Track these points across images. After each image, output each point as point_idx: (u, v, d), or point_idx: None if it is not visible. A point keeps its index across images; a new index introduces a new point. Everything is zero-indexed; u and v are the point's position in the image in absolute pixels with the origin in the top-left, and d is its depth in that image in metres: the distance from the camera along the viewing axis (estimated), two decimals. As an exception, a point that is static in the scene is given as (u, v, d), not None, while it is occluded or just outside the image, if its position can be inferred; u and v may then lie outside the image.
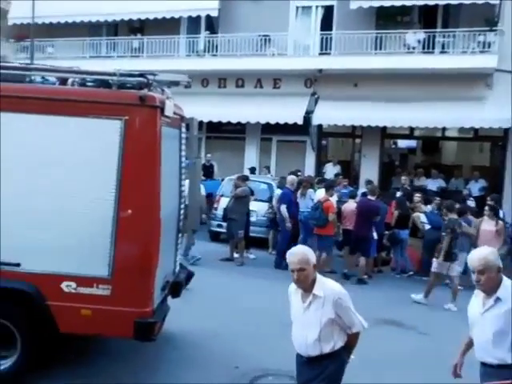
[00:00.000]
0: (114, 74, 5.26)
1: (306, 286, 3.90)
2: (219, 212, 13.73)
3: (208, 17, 19.43)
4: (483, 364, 3.97)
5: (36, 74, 5.78)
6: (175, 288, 6.33)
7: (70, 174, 5.18)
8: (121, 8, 19.80)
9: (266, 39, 18.43)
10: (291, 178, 12.60)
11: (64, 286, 5.13)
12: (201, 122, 15.08)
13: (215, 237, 14.33)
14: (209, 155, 17.98)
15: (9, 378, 5.23)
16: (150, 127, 5.16)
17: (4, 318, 5.20)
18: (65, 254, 5.15)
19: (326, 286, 3.94)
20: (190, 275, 6.81)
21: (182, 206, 6.60)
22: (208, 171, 16.82)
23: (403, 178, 15.38)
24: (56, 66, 6.08)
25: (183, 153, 6.53)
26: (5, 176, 5.14)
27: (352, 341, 4.02)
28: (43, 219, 5.17)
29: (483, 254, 3.87)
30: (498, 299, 3.83)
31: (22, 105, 5.25)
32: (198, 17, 19.54)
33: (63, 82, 5.70)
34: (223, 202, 13.55)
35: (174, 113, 5.67)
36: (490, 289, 3.85)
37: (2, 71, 5.64)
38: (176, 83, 5.94)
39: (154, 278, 5.24)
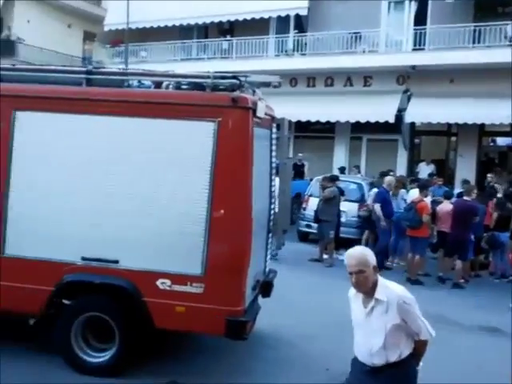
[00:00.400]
0: (207, 77, 5.41)
1: (367, 290, 3.66)
2: (308, 212, 13.76)
3: (297, 16, 19.52)
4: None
5: (133, 78, 6.06)
6: (265, 287, 6.44)
7: (165, 174, 5.38)
8: (211, 10, 20.27)
9: (356, 36, 18.26)
10: (389, 179, 12.42)
11: (159, 283, 5.34)
12: (289, 122, 15.20)
13: (304, 237, 14.35)
14: (300, 154, 17.99)
15: (108, 370, 5.52)
16: (243, 128, 5.27)
17: (104, 312, 5.49)
18: (160, 253, 5.37)
19: (389, 289, 3.69)
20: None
21: (273, 206, 6.69)
22: (299, 171, 16.86)
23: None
24: (151, 70, 6.35)
25: (274, 153, 6.62)
26: (107, 177, 5.45)
27: (420, 348, 3.76)
28: (140, 219, 5.40)
29: None
30: None
31: (120, 108, 5.52)
32: (287, 16, 19.67)
33: (158, 85, 5.93)
34: (312, 203, 13.55)
35: (266, 113, 5.76)
36: None
37: (103, 77, 6.01)
38: (267, 84, 6.04)
39: (245, 277, 5.35)
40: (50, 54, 26.04)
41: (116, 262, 5.41)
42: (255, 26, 19.92)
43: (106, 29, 23.93)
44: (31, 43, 25.91)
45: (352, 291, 3.86)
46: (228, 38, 21.46)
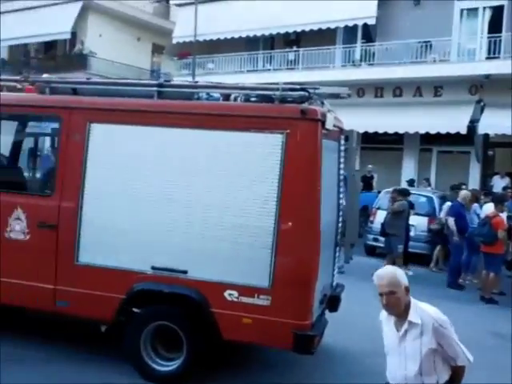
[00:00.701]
0: (276, 89, 5.47)
1: (399, 312, 3.51)
2: (375, 225, 13.57)
3: (365, 25, 19.39)
4: None
5: (203, 91, 6.20)
6: (333, 302, 6.39)
7: (234, 186, 5.45)
8: (277, 22, 20.51)
9: (426, 45, 17.94)
10: (464, 193, 12.16)
11: (227, 294, 5.40)
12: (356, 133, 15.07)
13: (371, 251, 14.15)
14: (370, 166, 17.79)
15: (175, 379, 5.63)
16: (311, 140, 5.28)
17: (172, 321, 5.60)
18: (228, 264, 5.44)
19: (423, 311, 3.52)
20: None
21: (341, 219, 6.65)
22: (368, 183, 16.68)
23: None
24: (220, 83, 6.47)
25: (342, 165, 6.60)
26: (176, 188, 5.59)
27: (458, 374, 3.58)
28: (209, 230, 5.48)
29: None
30: None
31: (191, 121, 5.66)
32: (355, 26, 19.60)
33: (226, 97, 6.06)
34: (379, 216, 13.36)
35: (334, 125, 5.76)
36: None
37: (173, 90, 6.19)
38: (336, 95, 6.04)
39: (313, 291, 5.32)
40: (120, 66, 27.03)
41: (185, 272, 5.51)
42: (322, 37, 19.95)
43: (174, 41, 24.63)
44: (102, 56, 27.02)
45: (383, 314, 3.72)
46: (294, 48, 21.59)
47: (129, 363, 5.74)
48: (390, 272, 3.55)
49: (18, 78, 7.01)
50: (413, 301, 3.55)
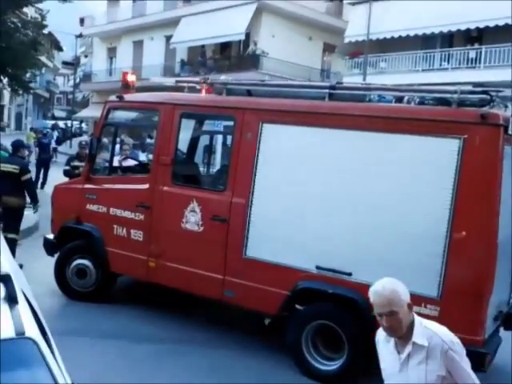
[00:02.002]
0: (454, 92, 5.36)
1: (401, 334, 3.03)
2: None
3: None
4: None
5: (376, 93, 6.23)
6: (509, 319, 6.03)
7: (405, 190, 5.42)
8: (457, 18, 19.67)
9: None
10: None
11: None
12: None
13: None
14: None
15: (335, 379, 5.77)
16: (492, 147, 5.09)
17: (334, 322, 5.75)
18: (394, 270, 5.41)
19: (431, 330, 3.04)
20: None
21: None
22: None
23: None
24: (395, 85, 6.46)
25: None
26: (345, 190, 5.71)
27: None
28: (377, 234, 5.52)
29: None
30: None
31: (362, 123, 5.73)
32: (548, 20, 18.15)
33: (399, 99, 6.03)
34: None
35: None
36: None
37: (345, 92, 6.32)
38: (524, 98, 5.75)
39: (486, 306, 5.14)
40: (291, 66, 27.77)
41: (349, 274, 5.62)
42: (507, 33, 18.75)
43: (346, 41, 24.76)
44: (274, 56, 27.96)
45: (380, 333, 3.28)
46: (476, 46, 20.56)
47: (289, 358, 6.00)
48: (389, 288, 3.02)
49: (197, 79, 7.62)
50: (417, 318, 3.11)
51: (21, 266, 10.01)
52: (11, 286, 2.79)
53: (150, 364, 5.92)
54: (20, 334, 2.59)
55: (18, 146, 10.13)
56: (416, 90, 6.05)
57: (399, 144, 5.52)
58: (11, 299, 2.77)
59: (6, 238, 9.59)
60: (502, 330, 6.13)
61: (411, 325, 3.03)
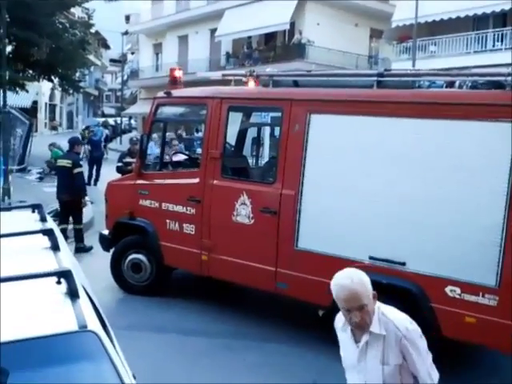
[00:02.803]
0: (508, 75, 5.22)
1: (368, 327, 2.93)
2: None
3: None
4: None
5: (426, 79, 6.12)
6: None
7: (459, 178, 5.32)
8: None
9: None
10: None
11: (448, 290, 5.34)
12: None
13: None
14: None
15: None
16: (549, 129, 4.93)
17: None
18: (451, 259, 5.36)
19: (388, 318, 2.97)
20: None
21: None
22: None
23: None
24: (445, 70, 6.35)
25: None
26: (398, 179, 5.64)
27: None
28: (431, 223, 5.45)
29: None
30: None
31: (412, 110, 5.63)
32: None
33: (451, 84, 5.91)
34: None
35: None
36: None
37: (394, 79, 6.25)
38: None
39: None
40: (337, 53, 27.54)
41: (403, 264, 5.58)
42: None
43: (393, 25, 24.39)
44: (319, 45, 27.77)
45: (339, 320, 3.17)
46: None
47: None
48: (358, 280, 2.88)
49: (243, 72, 7.68)
50: (376, 306, 3.00)
51: (91, 248, 10.48)
52: (72, 281, 2.89)
53: (206, 358, 6.02)
54: (82, 327, 2.67)
55: (73, 142, 10.81)
56: (467, 74, 5.95)
57: (451, 131, 5.42)
58: (73, 294, 2.86)
59: (68, 230, 10.18)
60: None
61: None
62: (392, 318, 2.97)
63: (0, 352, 2.46)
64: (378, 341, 2.95)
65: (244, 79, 7.50)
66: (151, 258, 7.81)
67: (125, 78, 49.18)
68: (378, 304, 3.00)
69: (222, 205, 7.00)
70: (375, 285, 5.61)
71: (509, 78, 5.20)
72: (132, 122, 52.08)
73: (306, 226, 6.26)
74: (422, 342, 2.98)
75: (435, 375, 3.01)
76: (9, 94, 14.33)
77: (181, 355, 6.09)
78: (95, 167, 19.38)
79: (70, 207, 10.21)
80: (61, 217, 10.32)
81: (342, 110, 6.14)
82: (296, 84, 6.91)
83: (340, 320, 3.14)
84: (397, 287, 5.60)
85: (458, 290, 5.30)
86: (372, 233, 5.79)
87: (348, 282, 2.90)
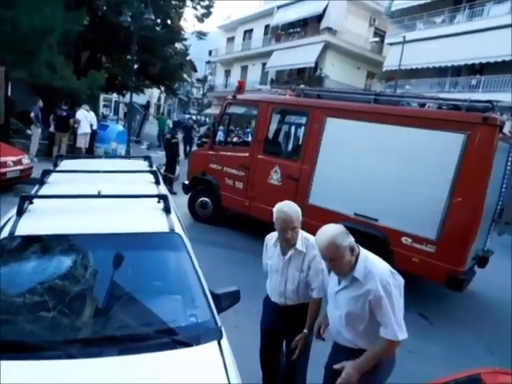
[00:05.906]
0: (464, 101, 4.94)
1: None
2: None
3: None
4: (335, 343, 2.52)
5: (408, 100, 5.83)
6: (482, 260, 5.68)
7: (422, 167, 5.08)
8: (464, 55, 18.18)
9: None
10: None
11: (403, 239, 5.20)
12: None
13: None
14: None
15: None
16: (488, 141, 4.64)
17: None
18: (407, 218, 5.15)
19: (308, 240, 2.76)
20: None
21: (500, 202, 5.80)
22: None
23: None
24: (420, 95, 6.02)
25: (509, 162, 5.70)
26: (381, 166, 5.43)
27: (313, 310, 2.72)
28: (397, 194, 5.26)
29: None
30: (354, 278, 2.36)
31: (397, 120, 5.38)
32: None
33: (422, 106, 5.65)
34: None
35: (510, 131, 5.00)
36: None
37: (386, 97, 5.96)
38: (514, 109, 5.20)
39: (469, 249, 4.85)
40: (344, 86, 26.69)
41: (376, 219, 5.44)
42: (504, 67, 17.06)
43: (383, 69, 23.50)
44: (333, 79, 27.00)
45: (271, 238, 2.94)
46: (477, 76, 18.91)
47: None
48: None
49: (285, 87, 7.45)
50: (301, 233, 2.77)
51: (175, 193, 10.49)
52: (167, 202, 2.89)
53: (239, 266, 5.97)
54: (172, 230, 2.69)
55: (175, 123, 11.46)
56: (438, 98, 5.64)
57: (421, 135, 5.15)
58: (167, 210, 2.87)
59: (168, 177, 10.54)
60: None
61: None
62: (311, 240, 2.69)
63: (121, 240, 2.50)
64: (300, 256, 2.77)
65: (284, 92, 7.31)
66: (213, 201, 7.77)
67: (205, 91, 48.87)
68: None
69: (261, 171, 6.88)
70: (356, 232, 5.53)
71: (465, 103, 4.91)
72: (207, 119, 51.96)
73: (315, 190, 6.13)
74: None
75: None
76: (134, 95, 14.65)
77: (224, 261, 6.06)
78: (188, 147, 19.02)
79: (168, 162, 10.54)
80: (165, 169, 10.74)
81: (348, 116, 5.91)
82: (319, 96, 6.68)
83: (271, 238, 2.93)
84: (370, 234, 5.45)
85: (410, 240, 5.15)
86: (357, 197, 5.63)
87: (287, 208, 2.76)
